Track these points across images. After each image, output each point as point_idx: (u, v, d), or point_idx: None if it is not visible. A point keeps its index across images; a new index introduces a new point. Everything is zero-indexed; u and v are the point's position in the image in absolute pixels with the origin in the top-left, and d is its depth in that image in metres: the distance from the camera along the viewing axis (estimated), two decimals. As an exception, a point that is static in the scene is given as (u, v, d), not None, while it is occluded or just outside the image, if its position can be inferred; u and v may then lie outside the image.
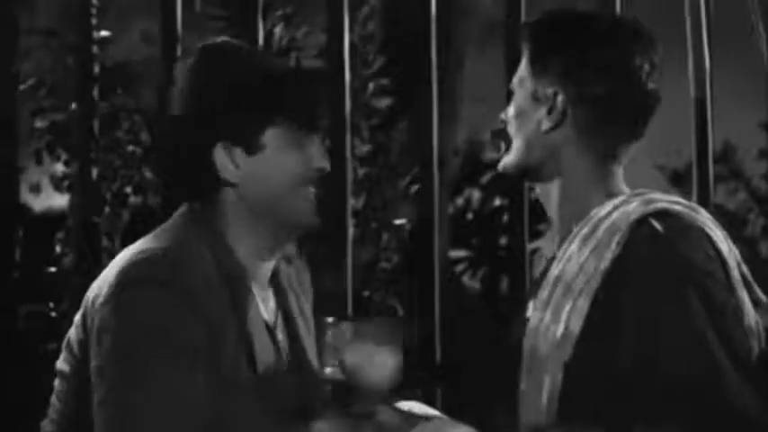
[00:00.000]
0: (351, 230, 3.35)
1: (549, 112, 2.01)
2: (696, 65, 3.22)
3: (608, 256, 1.92)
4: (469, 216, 13.27)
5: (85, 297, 1.98)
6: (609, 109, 2.00)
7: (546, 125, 2.02)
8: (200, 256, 1.94)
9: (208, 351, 1.89)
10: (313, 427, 1.92)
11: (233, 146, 1.97)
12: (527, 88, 2.05)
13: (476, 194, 13.55)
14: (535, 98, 2.03)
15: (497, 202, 13.10)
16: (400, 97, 6.15)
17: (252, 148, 1.98)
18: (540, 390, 1.94)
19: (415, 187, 6.23)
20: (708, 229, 1.94)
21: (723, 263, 1.93)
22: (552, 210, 2.06)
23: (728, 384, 1.81)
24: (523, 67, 2.07)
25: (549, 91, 2.01)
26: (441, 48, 3.37)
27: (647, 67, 2.00)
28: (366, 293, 6.24)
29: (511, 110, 2.08)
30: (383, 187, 6.27)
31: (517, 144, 2.06)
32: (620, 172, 2.04)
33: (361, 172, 6.18)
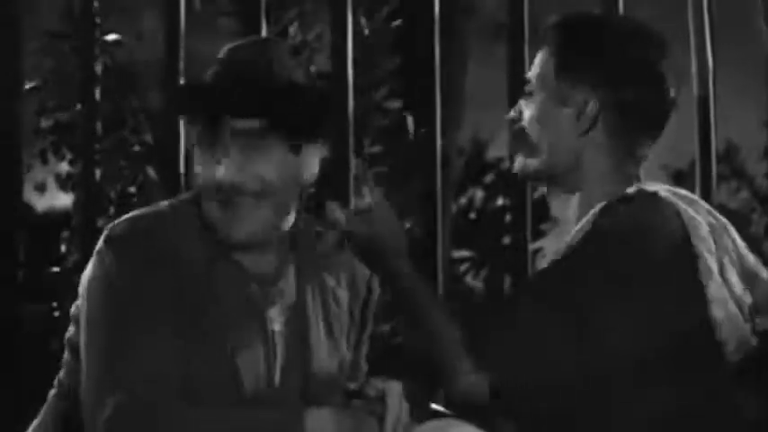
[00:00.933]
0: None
1: (578, 117, 2.02)
2: (699, 64, 3.22)
3: (586, 226, 1.97)
4: (472, 216, 13.28)
5: None
6: (638, 114, 2.02)
7: (577, 130, 2.02)
8: (183, 229, 2.01)
9: (177, 313, 1.97)
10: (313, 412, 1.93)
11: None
12: (551, 91, 2.05)
13: (479, 194, 13.56)
14: (561, 102, 2.04)
15: (500, 201, 13.10)
16: (408, 99, 6.15)
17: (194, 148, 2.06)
18: None
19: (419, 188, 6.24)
20: (686, 217, 1.96)
21: (688, 249, 1.94)
22: (569, 210, 2.06)
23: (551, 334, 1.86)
24: (545, 70, 2.06)
25: (580, 96, 2.02)
26: (445, 48, 3.37)
27: (670, 73, 2.03)
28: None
29: (529, 112, 2.07)
30: (390, 188, 6.28)
31: (542, 148, 2.05)
32: (637, 173, 2.05)
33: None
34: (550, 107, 2.04)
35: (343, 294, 2.16)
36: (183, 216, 2.02)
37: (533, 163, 2.07)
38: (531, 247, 3.35)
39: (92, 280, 1.99)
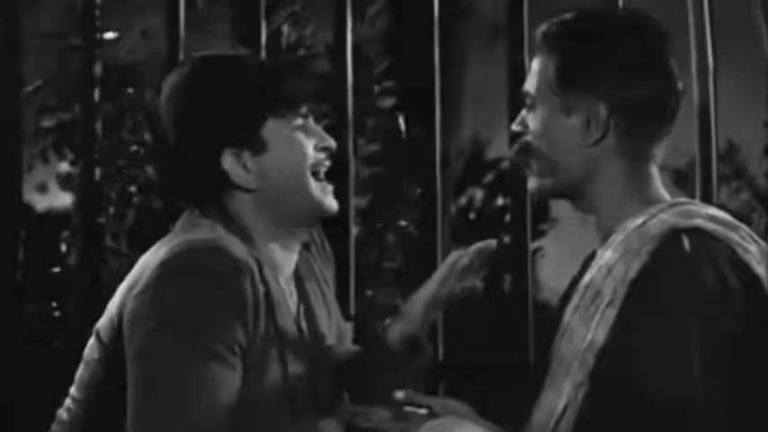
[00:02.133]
0: (354, 230, 3.36)
1: (588, 125, 1.94)
2: (699, 64, 3.22)
3: (636, 265, 1.88)
4: (472, 216, 13.27)
5: (120, 288, 2.00)
6: (650, 113, 1.94)
7: (587, 139, 1.94)
8: (231, 252, 1.95)
9: (241, 345, 1.92)
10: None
11: (240, 150, 2.00)
12: (555, 102, 1.96)
13: (478, 194, 13.55)
14: (567, 112, 1.95)
15: (500, 201, 13.10)
16: (405, 98, 6.15)
17: (257, 147, 2.01)
18: (560, 395, 1.92)
19: (419, 188, 6.24)
20: (741, 251, 1.88)
21: (755, 286, 1.86)
22: (589, 217, 2.00)
23: (703, 415, 1.78)
24: (546, 79, 1.97)
25: (587, 103, 1.93)
26: (444, 48, 3.37)
27: (676, 64, 1.95)
28: (370, 293, 6.24)
29: (533, 126, 1.98)
30: (388, 187, 6.28)
31: (554, 164, 1.97)
32: (655, 173, 1.99)
33: (366, 172, 6.19)
34: (556, 119, 1.96)
35: (319, 260, 2.19)
36: (225, 239, 1.97)
37: (548, 182, 1.99)
38: (531, 246, 3.36)
39: (148, 315, 1.90)
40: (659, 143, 1.98)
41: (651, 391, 1.80)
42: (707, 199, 3.16)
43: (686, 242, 1.87)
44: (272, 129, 2.02)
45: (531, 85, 2.00)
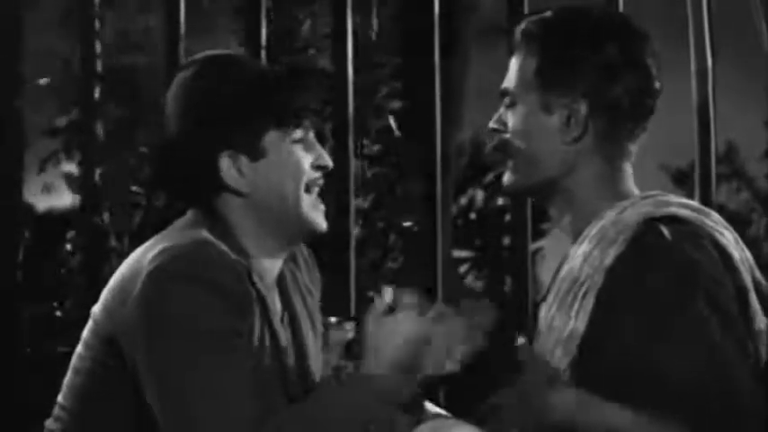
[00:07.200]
0: (355, 231, 3.37)
1: (569, 122, 1.95)
2: (699, 63, 3.23)
3: (612, 252, 1.90)
4: (473, 216, 13.28)
5: (104, 295, 2.00)
6: (630, 113, 1.96)
7: (566, 138, 1.96)
8: (223, 252, 1.95)
9: (243, 338, 1.93)
10: None
11: (237, 154, 2.00)
12: (534, 100, 1.98)
13: (479, 194, 13.56)
14: (546, 110, 1.97)
15: (500, 201, 13.11)
16: (407, 98, 6.16)
17: (255, 153, 2.01)
18: None
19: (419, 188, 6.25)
20: (718, 235, 1.92)
21: (733, 269, 1.90)
22: (563, 216, 2.02)
23: (742, 386, 1.80)
24: (525, 77, 1.99)
25: (568, 101, 1.95)
26: (444, 48, 3.38)
27: (656, 64, 1.98)
28: (371, 294, 6.25)
29: (512, 124, 2.00)
30: (391, 188, 6.28)
31: (532, 162, 1.98)
32: (629, 170, 2.01)
33: (369, 173, 6.20)
34: (536, 117, 1.97)
35: (306, 276, 2.18)
36: (215, 242, 1.97)
37: (524, 179, 2.00)
38: (531, 247, 3.36)
39: (151, 325, 1.89)
40: (636, 141, 2.00)
41: (665, 375, 1.80)
42: (706, 199, 3.17)
43: (665, 229, 1.89)
44: (273, 138, 2.02)
45: (510, 82, 2.02)
